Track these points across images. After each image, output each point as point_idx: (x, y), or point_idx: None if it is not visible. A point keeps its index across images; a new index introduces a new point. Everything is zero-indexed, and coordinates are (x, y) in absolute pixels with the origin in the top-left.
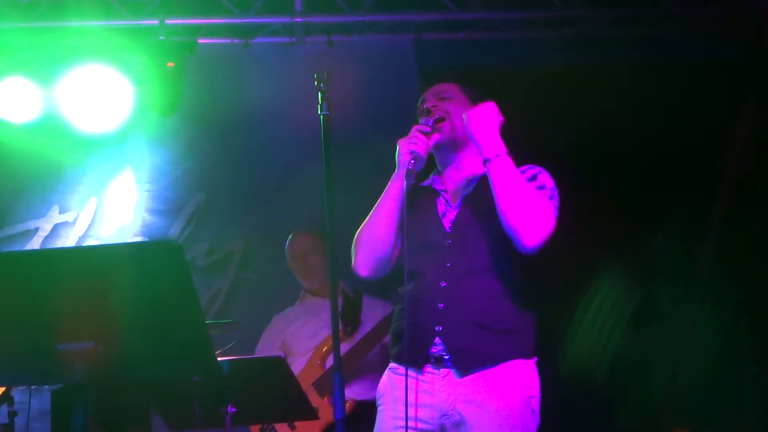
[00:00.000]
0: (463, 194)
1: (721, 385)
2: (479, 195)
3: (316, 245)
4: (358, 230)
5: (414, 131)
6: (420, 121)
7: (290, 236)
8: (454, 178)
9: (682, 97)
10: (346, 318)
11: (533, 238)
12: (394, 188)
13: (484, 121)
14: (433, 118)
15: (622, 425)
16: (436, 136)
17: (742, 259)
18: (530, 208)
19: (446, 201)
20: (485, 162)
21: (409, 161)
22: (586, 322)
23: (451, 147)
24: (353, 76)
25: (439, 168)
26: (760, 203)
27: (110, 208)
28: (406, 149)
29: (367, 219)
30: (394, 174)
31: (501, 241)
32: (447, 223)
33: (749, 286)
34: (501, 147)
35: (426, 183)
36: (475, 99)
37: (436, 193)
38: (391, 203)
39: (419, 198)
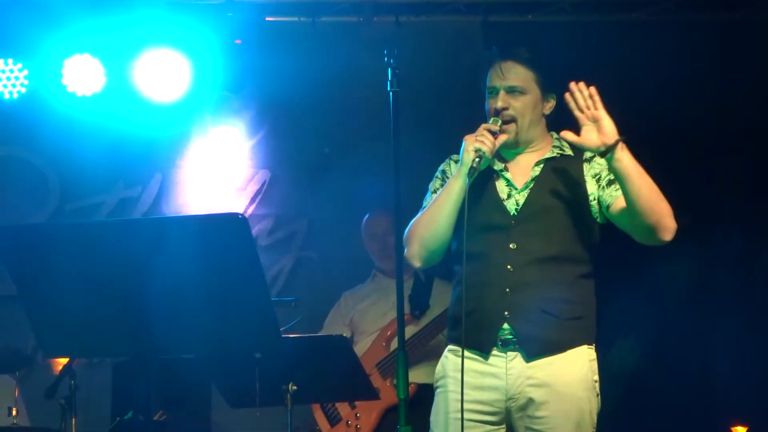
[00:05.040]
0: (532, 177)
1: None
2: (548, 179)
3: (391, 227)
4: (414, 220)
5: (482, 129)
6: (490, 114)
7: (367, 216)
8: (518, 161)
9: (748, 86)
10: (414, 301)
11: (671, 231)
12: (456, 185)
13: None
14: (503, 120)
15: (678, 419)
16: (503, 138)
17: None
18: (665, 203)
19: (509, 182)
20: (609, 157)
21: (474, 159)
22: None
23: (516, 145)
24: (420, 57)
25: (500, 150)
26: None
27: (175, 184)
28: (472, 147)
29: (425, 211)
30: (457, 170)
31: (569, 227)
32: (512, 205)
33: None
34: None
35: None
36: (547, 87)
37: (496, 173)
38: (453, 199)
39: (478, 177)
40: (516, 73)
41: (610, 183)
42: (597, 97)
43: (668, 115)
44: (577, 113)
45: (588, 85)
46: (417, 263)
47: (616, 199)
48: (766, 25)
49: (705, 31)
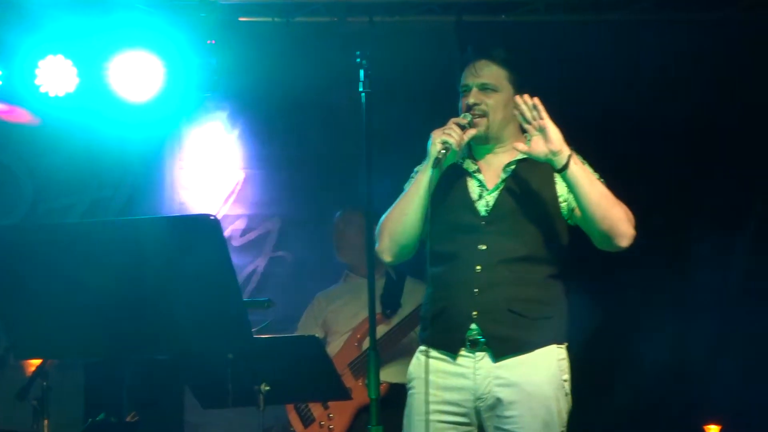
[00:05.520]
0: (503, 178)
1: (757, 379)
2: (519, 181)
3: (354, 221)
4: (384, 215)
5: (450, 123)
6: (462, 112)
7: (338, 213)
8: (490, 162)
9: (724, 85)
10: (386, 300)
11: (627, 237)
12: (423, 178)
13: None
14: (474, 115)
15: (651, 418)
16: (471, 132)
17: None
18: (618, 210)
19: (480, 183)
20: (560, 171)
21: (440, 150)
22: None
23: (486, 140)
24: (394, 57)
25: (473, 152)
26: None
27: (148, 185)
28: (439, 139)
29: (394, 205)
30: (424, 163)
31: (539, 228)
32: (482, 206)
33: None
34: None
35: (452, 160)
36: (521, 87)
37: (468, 174)
38: (421, 192)
39: (450, 178)
40: (489, 71)
41: None
42: (541, 107)
43: (640, 114)
44: (525, 125)
45: (532, 96)
46: (388, 258)
47: (573, 208)
48: (739, 25)
49: (680, 29)
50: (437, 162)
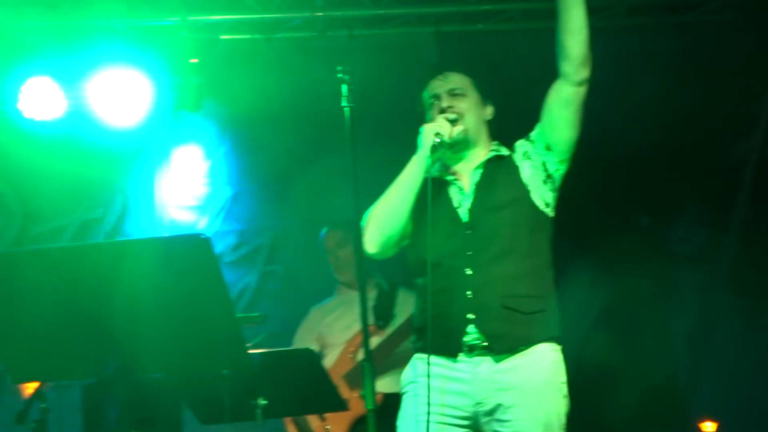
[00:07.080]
0: (475, 182)
1: (747, 376)
2: (489, 180)
3: (345, 239)
4: (371, 208)
5: (438, 117)
6: (429, 114)
7: (323, 230)
8: (463, 169)
9: (703, 84)
10: (379, 312)
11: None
12: (414, 167)
13: None
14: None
15: (646, 416)
16: (460, 127)
17: (766, 245)
18: None
19: (460, 190)
20: None
21: (434, 139)
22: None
23: (464, 145)
24: (374, 70)
25: (447, 163)
26: None
27: (138, 204)
28: (432, 131)
29: (383, 195)
30: (415, 155)
31: (518, 223)
32: (463, 212)
33: None
34: None
35: (434, 174)
36: (486, 93)
37: (448, 183)
38: (410, 180)
39: (432, 188)
40: (454, 78)
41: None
42: None
43: (622, 117)
44: None
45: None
46: (372, 248)
47: (544, 115)
48: (716, 26)
49: (659, 32)
50: (434, 148)
